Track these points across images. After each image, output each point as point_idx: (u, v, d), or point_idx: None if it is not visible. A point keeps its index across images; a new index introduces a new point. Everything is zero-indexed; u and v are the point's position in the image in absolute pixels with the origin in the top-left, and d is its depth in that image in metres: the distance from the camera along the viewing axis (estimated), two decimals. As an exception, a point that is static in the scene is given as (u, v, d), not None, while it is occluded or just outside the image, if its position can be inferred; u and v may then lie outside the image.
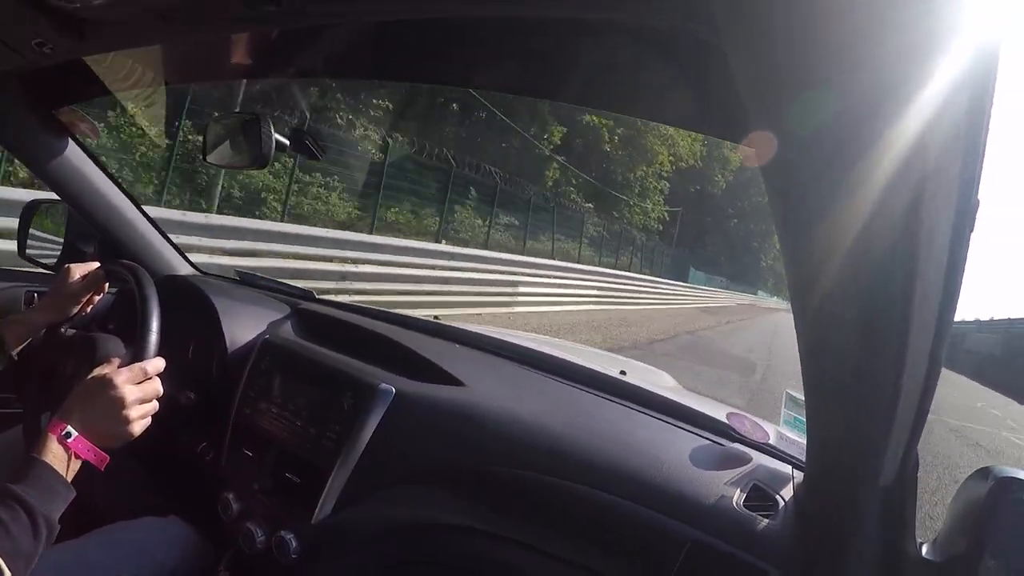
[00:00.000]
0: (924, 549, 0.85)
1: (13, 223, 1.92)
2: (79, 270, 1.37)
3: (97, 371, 1.11)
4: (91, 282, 1.38)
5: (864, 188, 0.49)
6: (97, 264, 1.39)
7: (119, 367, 1.12)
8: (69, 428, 1.02)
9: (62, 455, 1.00)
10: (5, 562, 0.87)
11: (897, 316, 0.58)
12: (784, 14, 0.42)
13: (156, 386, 1.16)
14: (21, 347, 1.31)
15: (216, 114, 1.41)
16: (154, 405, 1.15)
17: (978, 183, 0.50)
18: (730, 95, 0.71)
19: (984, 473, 0.81)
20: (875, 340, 0.63)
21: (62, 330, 1.38)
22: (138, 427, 1.11)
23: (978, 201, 0.52)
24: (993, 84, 0.44)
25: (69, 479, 1.00)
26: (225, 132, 1.37)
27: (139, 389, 1.11)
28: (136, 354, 1.17)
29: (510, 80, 1.07)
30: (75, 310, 1.39)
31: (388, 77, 1.15)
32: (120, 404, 1.08)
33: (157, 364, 1.17)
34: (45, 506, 0.95)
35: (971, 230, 0.53)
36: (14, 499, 0.93)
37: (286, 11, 0.85)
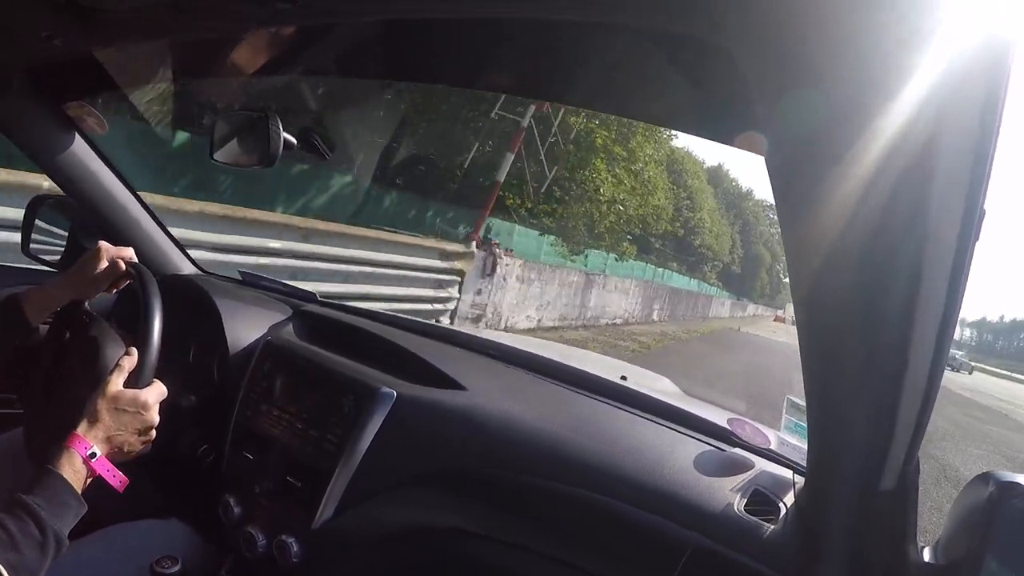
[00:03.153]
0: (926, 553, 0.86)
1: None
2: (109, 253, 1.32)
3: (120, 387, 1.10)
4: (113, 273, 1.33)
5: (869, 195, 0.50)
6: (131, 250, 1.35)
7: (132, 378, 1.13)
8: (95, 449, 1.02)
9: (82, 472, 1.00)
10: (9, 574, 0.84)
11: (900, 323, 0.59)
12: (793, 17, 0.43)
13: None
14: (42, 320, 1.30)
15: (223, 111, 1.40)
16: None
17: (985, 192, 0.50)
18: (735, 100, 0.72)
19: (985, 478, 0.81)
20: (877, 346, 0.63)
21: (86, 304, 1.36)
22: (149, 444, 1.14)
23: (984, 211, 0.52)
24: (1004, 93, 0.45)
25: (80, 492, 0.99)
26: (232, 130, 1.36)
27: (157, 406, 1.14)
28: (138, 359, 1.17)
29: (515, 81, 1.08)
30: (95, 294, 1.36)
31: (399, 77, 1.16)
32: (149, 426, 1.11)
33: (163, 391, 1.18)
34: (56, 520, 0.93)
35: (976, 239, 0.54)
36: (25, 511, 0.91)
37: (299, 10, 0.85)
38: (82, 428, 1.04)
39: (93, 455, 1.01)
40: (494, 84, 1.09)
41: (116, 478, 1.04)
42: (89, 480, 1.01)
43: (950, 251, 0.54)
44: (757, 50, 0.48)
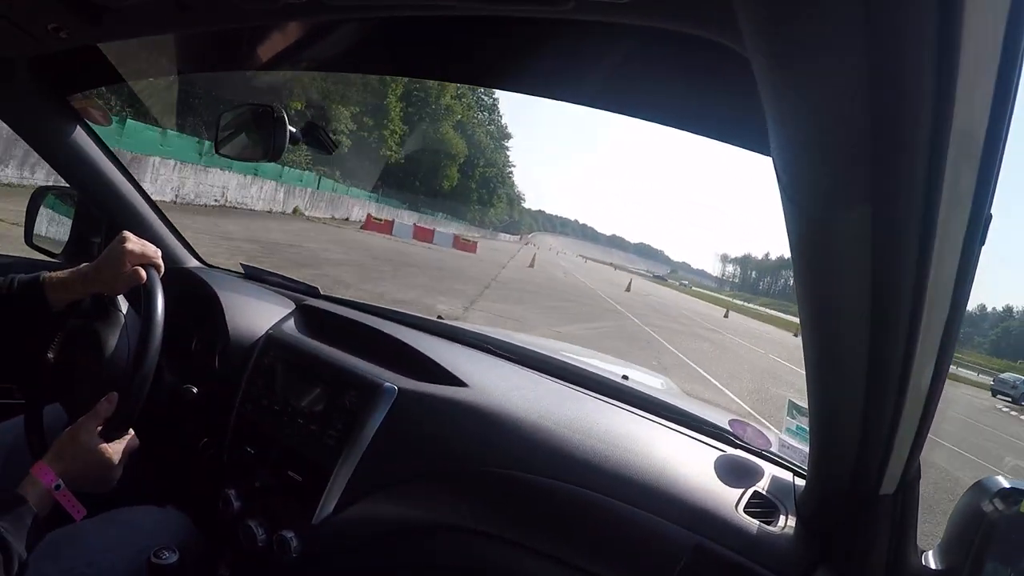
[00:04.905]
0: (925, 557, 0.86)
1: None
2: (134, 257, 1.26)
3: (91, 433, 1.13)
4: (134, 280, 1.27)
5: (876, 197, 0.49)
6: (157, 256, 1.30)
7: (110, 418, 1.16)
8: (60, 482, 1.06)
9: (46, 500, 1.04)
10: None
11: (904, 328, 0.58)
12: (800, 15, 0.43)
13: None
14: (63, 307, 1.27)
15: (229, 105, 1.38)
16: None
17: (992, 195, 0.50)
18: (741, 100, 0.71)
19: (983, 484, 0.82)
20: (881, 351, 0.63)
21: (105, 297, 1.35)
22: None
23: (990, 215, 0.52)
24: (1013, 98, 0.44)
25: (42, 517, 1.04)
26: (238, 123, 1.36)
27: (123, 447, 1.17)
28: (117, 408, 1.18)
29: (524, 79, 1.07)
30: (119, 293, 1.33)
31: (405, 73, 1.15)
32: (108, 479, 1.15)
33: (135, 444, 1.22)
34: (19, 543, 0.98)
35: (982, 243, 0.54)
36: None
37: (305, 5, 0.85)
38: (48, 458, 1.08)
39: (58, 487, 1.06)
40: (494, 80, 1.08)
41: (75, 509, 1.08)
42: (50, 507, 1.05)
43: (955, 255, 0.53)
44: (764, 50, 0.48)
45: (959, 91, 0.41)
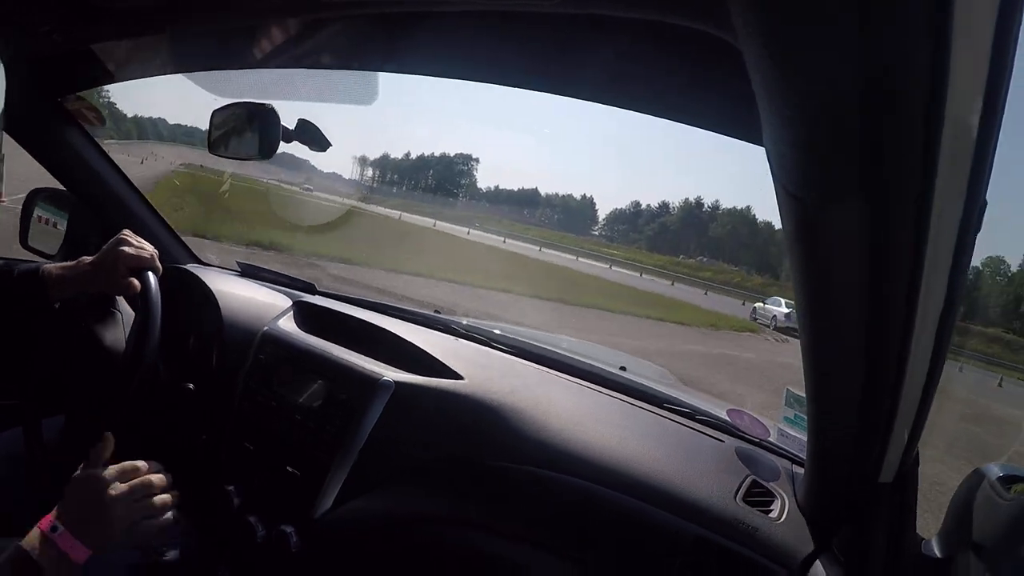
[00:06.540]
0: (925, 545, 0.86)
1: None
2: (130, 261, 1.23)
3: (86, 469, 1.07)
4: (130, 290, 1.24)
5: (872, 189, 0.49)
6: (152, 252, 1.28)
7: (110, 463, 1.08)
8: (57, 523, 0.99)
9: (43, 544, 0.97)
10: None
11: (901, 315, 0.58)
12: (795, 9, 0.42)
13: (152, 482, 1.12)
14: (60, 300, 1.26)
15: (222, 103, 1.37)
16: (152, 506, 1.11)
17: (987, 184, 0.50)
18: (737, 93, 0.71)
19: (981, 472, 0.82)
20: (879, 338, 0.63)
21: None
22: (129, 530, 1.07)
23: (985, 202, 0.52)
24: (1007, 83, 0.44)
25: (48, 568, 0.96)
26: (231, 121, 1.34)
27: (129, 488, 1.07)
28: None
29: (521, 74, 1.07)
30: (118, 295, 1.31)
31: (399, 69, 1.15)
32: (106, 504, 1.05)
33: (157, 476, 1.13)
34: None
35: (977, 231, 0.54)
36: None
37: (301, 3, 0.84)
38: (57, 507, 1.01)
39: (55, 528, 0.99)
40: (501, 78, 1.08)
41: (76, 551, 1.00)
42: (51, 551, 0.97)
43: (951, 243, 0.53)
44: (756, 42, 0.48)
45: (952, 79, 0.41)
